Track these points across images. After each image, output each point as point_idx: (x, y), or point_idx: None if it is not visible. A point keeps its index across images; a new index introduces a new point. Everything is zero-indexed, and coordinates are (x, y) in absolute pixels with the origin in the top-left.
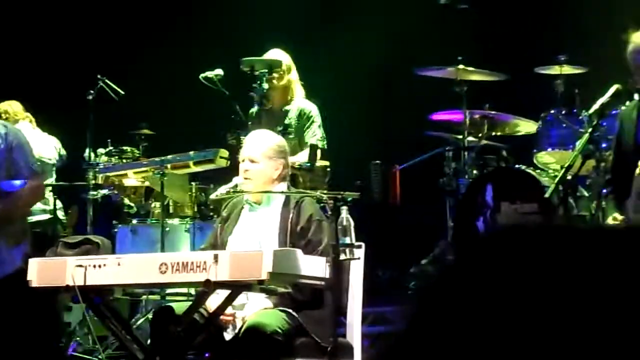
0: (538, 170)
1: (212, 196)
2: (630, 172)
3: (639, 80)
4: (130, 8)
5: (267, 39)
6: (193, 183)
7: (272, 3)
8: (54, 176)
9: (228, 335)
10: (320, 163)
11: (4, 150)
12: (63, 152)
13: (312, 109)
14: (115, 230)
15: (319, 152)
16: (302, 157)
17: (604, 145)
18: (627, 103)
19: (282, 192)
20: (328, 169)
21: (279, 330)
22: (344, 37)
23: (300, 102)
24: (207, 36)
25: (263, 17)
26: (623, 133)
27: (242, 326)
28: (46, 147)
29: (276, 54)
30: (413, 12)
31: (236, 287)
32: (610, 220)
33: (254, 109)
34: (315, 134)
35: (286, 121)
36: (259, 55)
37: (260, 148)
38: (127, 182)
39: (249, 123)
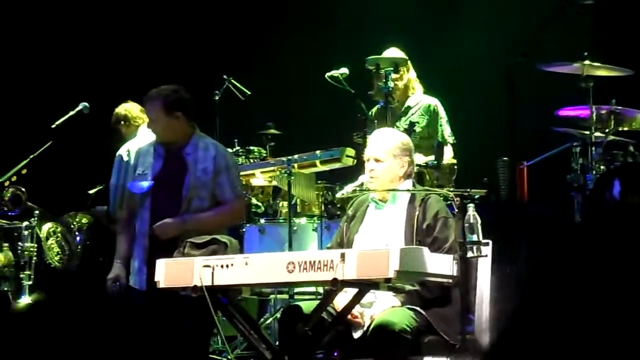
0: None
1: (339, 195)
2: None
3: None
4: (256, 8)
5: (388, 36)
6: (320, 182)
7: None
8: None
9: (356, 334)
10: (447, 161)
11: (211, 172)
12: None
13: (437, 103)
14: (243, 229)
15: (450, 149)
16: (446, 154)
17: None
18: None
19: (408, 190)
20: (455, 167)
21: (407, 328)
22: (466, 33)
23: (422, 98)
24: (333, 35)
25: (385, 14)
26: None
27: (370, 324)
28: None
29: (394, 52)
30: (536, 8)
31: (363, 286)
32: None
33: (374, 108)
34: (445, 129)
35: (410, 118)
36: (376, 54)
37: (384, 146)
38: (254, 181)
39: (375, 121)
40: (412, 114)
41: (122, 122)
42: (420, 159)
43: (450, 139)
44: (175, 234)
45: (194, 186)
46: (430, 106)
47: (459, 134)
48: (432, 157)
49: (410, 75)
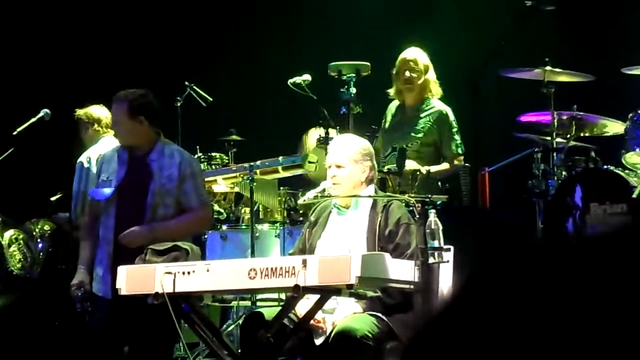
0: (626, 171)
1: (300, 201)
2: None
3: None
4: (217, 14)
5: (354, 42)
6: (282, 188)
7: (359, 6)
8: None
9: (318, 340)
10: (409, 166)
11: (176, 179)
12: None
13: (449, 112)
14: (205, 236)
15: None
16: (442, 166)
17: None
18: None
19: (370, 196)
20: (417, 173)
21: (369, 335)
22: (430, 39)
23: (437, 104)
24: (296, 40)
25: (350, 20)
26: None
27: (332, 331)
28: None
29: (414, 52)
30: (499, 14)
31: (325, 292)
32: None
33: (392, 105)
34: (455, 140)
35: (420, 122)
36: (353, 59)
37: (345, 152)
38: (216, 188)
39: (337, 127)
40: (424, 118)
41: (92, 125)
42: (411, 164)
43: (460, 149)
44: (143, 243)
45: (159, 193)
46: (443, 113)
47: None
48: (443, 167)
49: (429, 76)
